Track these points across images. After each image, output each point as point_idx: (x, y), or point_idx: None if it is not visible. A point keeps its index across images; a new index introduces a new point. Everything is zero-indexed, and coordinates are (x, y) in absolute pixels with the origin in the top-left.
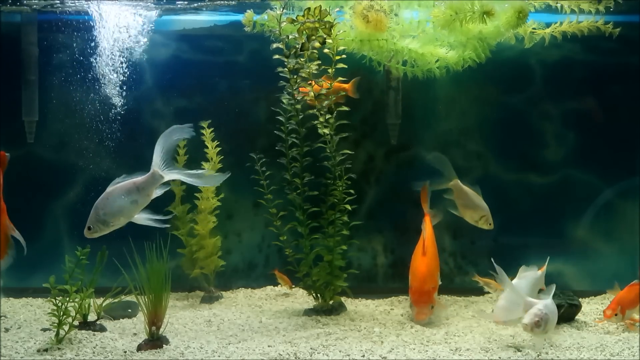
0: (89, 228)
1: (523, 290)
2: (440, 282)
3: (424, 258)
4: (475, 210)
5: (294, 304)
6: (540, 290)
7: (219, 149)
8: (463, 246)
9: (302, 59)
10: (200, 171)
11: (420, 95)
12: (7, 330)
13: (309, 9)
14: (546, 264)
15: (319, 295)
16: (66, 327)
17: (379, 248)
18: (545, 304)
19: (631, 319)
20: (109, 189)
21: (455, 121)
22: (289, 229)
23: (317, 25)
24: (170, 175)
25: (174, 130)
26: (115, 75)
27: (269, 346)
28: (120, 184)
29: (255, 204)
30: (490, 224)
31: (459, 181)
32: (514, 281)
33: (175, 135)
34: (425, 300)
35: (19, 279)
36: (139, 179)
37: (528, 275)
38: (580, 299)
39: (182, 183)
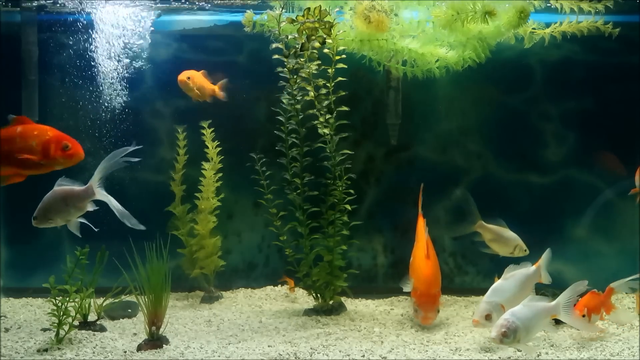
0: (34, 218)
1: (508, 290)
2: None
3: (429, 261)
4: (507, 243)
5: (294, 304)
6: (537, 285)
7: (219, 149)
8: (463, 246)
9: (302, 59)
10: (122, 208)
11: (420, 95)
12: (7, 330)
13: (308, 9)
14: (543, 258)
15: (319, 295)
16: (66, 327)
17: (379, 248)
18: (514, 312)
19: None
20: (55, 188)
21: (455, 121)
22: (289, 229)
23: (317, 25)
24: (100, 196)
25: (121, 152)
26: (115, 75)
27: (269, 346)
28: (62, 188)
29: (255, 204)
30: (525, 250)
31: (482, 222)
32: (498, 282)
33: (121, 159)
34: (432, 304)
35: (19, 279)
36: (76, 188)
37: (516, 274)
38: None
39: (182, 183)
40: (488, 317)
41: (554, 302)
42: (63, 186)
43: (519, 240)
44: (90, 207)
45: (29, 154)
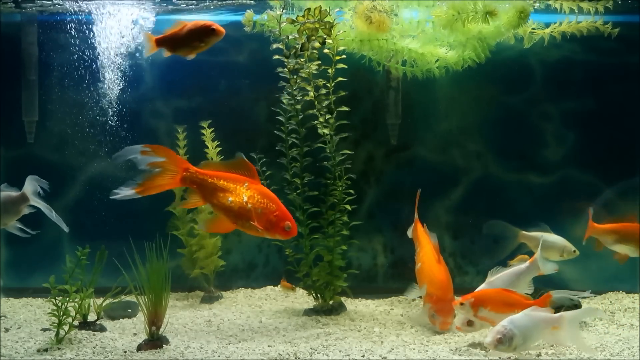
0: None
1: None
2: None
3: (441, 265)
4: (553, 248)
5: (294, 304)
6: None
7: (219, 149)
8: (463, 246)
9: (302, 59)
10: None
11: (420, 95)
12: (7, 330)
13: (309, 9)
14: (538, 250)
15: (319, 295)
16: (66, 327)
17: (379, 248)
18: (512, 320)
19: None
20: None
21: (455, 121)
22: None
23: (317, 25)
24: (34, 201)
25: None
26: (114, 75)
27: (269, 346)
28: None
29: None
30: (574, 251)
31: (523, 232)
32: (480, 287)
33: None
34: (450, 308)
35: (19, 279)
36: (12, 194)
37: (502, 276)
38: (580, 299)
39: None
40: (470, 323)
41: (557, 315)
42: (1, 191)
43: (565, 243)
44: (27, 211)
45: (248, 214)
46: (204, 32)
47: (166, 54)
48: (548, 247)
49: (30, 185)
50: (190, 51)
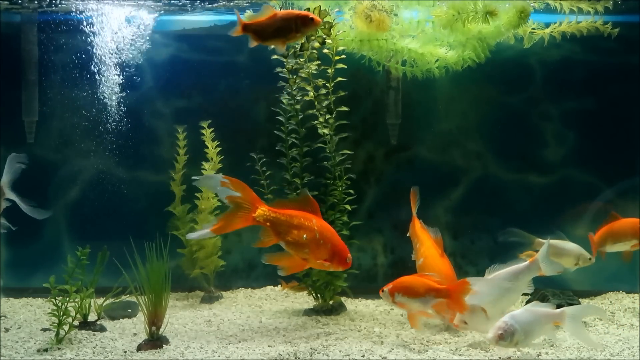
0: None
1: (488, 292)
2: None
3: (445, 259)
4: (568, 255)
5: (294, 304)
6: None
7: (219, 148)
8: (463, 246)
9: (301, 59)
10: (34, 205)
11: (420, 95)
12: (7, 330)
13: (308, 9)
14: (540, 250)
15: (319, 295)
16: (66, 327)
17: (379, 248)
18: (513, 315)
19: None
20: None
21: (455, 121)
22: None
23: None
24: (9, 195)
25: (17, 157)
26: (114, 75)
27: (269, 346)
28: None
29: None
30: (590, 259)
31: (539, 240)
32: None
33: (17, 162)
34: None
35: (19, 279)
36: None
37: (501, 274)
38: (580, 299)
39: (182, 183)
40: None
41: (559, 310)
42: None
43: (581, 250)
44: (4, 205)
45: (319, 250)
46: (302, 22)
47: (252, 43)
48: (564, 254)
49: (6, 178)
50: (282, 41)
